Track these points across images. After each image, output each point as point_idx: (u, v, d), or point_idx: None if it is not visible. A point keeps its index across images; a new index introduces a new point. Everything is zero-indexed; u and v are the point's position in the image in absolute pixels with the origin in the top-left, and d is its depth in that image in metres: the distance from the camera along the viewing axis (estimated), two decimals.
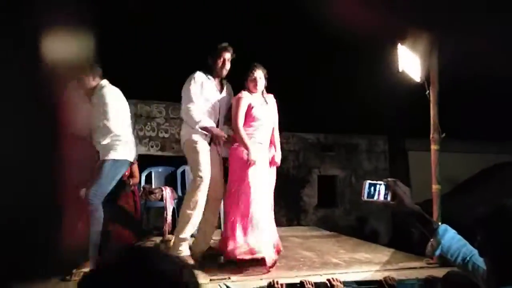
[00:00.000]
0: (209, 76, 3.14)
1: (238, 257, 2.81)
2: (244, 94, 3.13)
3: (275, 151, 3.30)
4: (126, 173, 4.02)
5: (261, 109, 3.15)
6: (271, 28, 7.32)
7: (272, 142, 3.30)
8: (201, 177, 2.98)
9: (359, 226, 7.09)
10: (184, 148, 3.20)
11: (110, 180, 2.91)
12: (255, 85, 3.14)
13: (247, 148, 3.01)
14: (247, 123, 3.10)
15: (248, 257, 2.80)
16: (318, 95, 7.63)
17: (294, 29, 7.53)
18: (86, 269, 2.69)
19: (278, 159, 3.29)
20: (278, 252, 3.13)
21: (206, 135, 3.08)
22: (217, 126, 3.15)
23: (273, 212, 3.22)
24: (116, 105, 2.95)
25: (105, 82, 3.00)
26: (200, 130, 3.04)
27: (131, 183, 3.94)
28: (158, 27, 6.55)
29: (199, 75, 3.10)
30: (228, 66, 3.16)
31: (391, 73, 3.46)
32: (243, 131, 3.06)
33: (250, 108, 3.09)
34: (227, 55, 3.13)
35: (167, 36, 6.42)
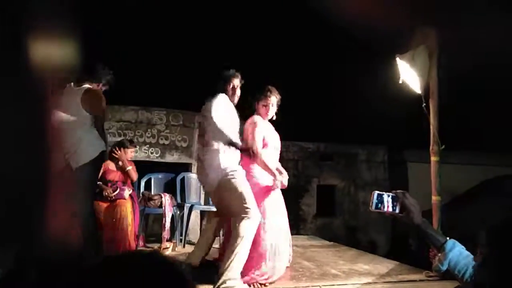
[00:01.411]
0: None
1: (256, 283, 2.73)
2: (257, 119, 3.04)
3: (281, 173, 3.16)
4: (119, 179, 3.98)
5: (272, 136, 3.09)
6: (272, 38, 7.37)
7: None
8: (252, 216, 2.66)
9: (358, 236, 7.06)
10: (219, 187, 2.83)
11: (93, 179, 2.90)
12: (267, 111, 3.06)
13: (272, 173, 2.89)
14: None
15: (263, 281, 2.75)
16: (319, 104, 7.66)
17: (296, 39, 7.58)
18: None
19: (285, 181, 3.15)
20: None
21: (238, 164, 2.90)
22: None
23: (289, 232, 3.17)
24: None
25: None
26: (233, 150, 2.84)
27: (130, 187, 3.93)
28: (159, 35, 6.59)
29: (223, 97, 2.95)
30: (238, 92, 3.04)
31: (392, 84, 3.47)
32: (265, 156, 2.93)
33: (263, 135, 3.01)
34: (236, 82, 3.02)
35: (169, 44, 6.45)
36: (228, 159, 2.80)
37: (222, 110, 2.86)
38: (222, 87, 3.00)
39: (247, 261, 2.66)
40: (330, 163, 7.21)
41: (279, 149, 3.22)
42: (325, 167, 7.18)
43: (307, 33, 7.73)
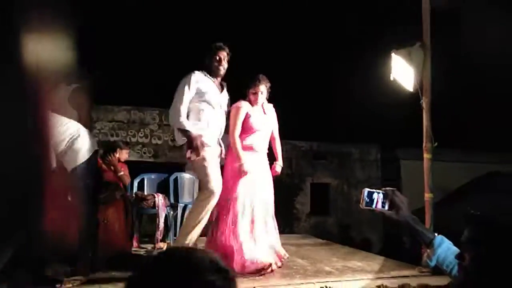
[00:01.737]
0: (208, 76, 3.07)
1: (246, 272, 2.84)
2: (243, 104, 3.15)
3: (277, 160, 3.36)
4: (112, 178, 3.97)
5: (259, 118, 3.18)
6: (265, 36, 7.38)
7: (274, 152, 3.37)
8: (211, 190, 2.89)
9: (351, 234, 7.10)
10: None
11: (89, 180, 2.87)
12: (256, 99, 3.17)
13: (239, 158, 3.04)
14: (245, 131, 3.12)
15: (252, 269, 2.86)
16: (312, 103, 7.69)
17: (289, 38, 7.60)
18: (77, 277, 2.65)
19: (278, 168, 3.34)
20: (280, 258, 3.16)
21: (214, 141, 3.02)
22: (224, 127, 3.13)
23: (275, 220, 3.24)
24: None
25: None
26: (176, 130, 2.97)
27: (122, 188, 3.90)
28: (151, 34, 6.56)
29: (196, 74, 3.01)
30: (225, 65, 3.11)
31: (384, 82, 3.50)
32: (238, 141, 3.08)
33: (247, 117, 3.12)
34: (223, 54, 3.09)
35: (160, 43, 6.43)
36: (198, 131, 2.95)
37: (186, 91, 2.94)
38: (208, 59, 3.07)
39: (223, 249, 2.89)
40: (324, 161, 7.23)
41: (275, 133, 3.36)
42: (319, 165, 7.21)
43: (301, 33, 7.76)
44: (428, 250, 1.23)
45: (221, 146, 3.19)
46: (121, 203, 3.88)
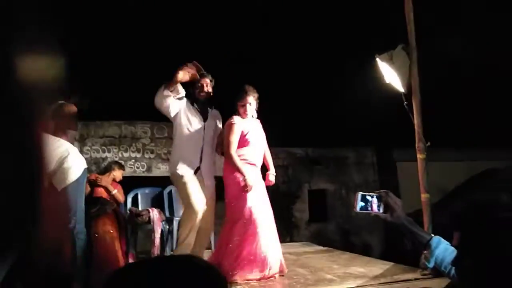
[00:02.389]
0: (193, 104, 3.23)
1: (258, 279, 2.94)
2: (236, 119, 3.19)
3: (269, 170, 3.40)
4: (105, 195, 3.94)
5: (253, 133, 3.23)
6: (257, 42, 7.39)
7: (265, 162, 3.40)
8: (193, 208, 3.05)
9: (351, 240, 7.02)
10: (172, 180, 3.27)
11: (79, 198, 2.88)
12: (245, 110, 3.20)
13: (242, 173, 3.07)
14: (241, 146, 3.17)
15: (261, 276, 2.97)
16: (305, 109, 7.67)
17: (281, 43, 7.61)
18: None
19: (272, 178, 3.39)
20: (282, 272, 3.18)
21: (191, 166, 3.15)
22: (201, 154, 3.18)
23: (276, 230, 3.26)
24: None
25: None
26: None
27: (113, 202, 3.86)
28: (141, 47, 6.55)
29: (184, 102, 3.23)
30: (207, 90, 3.24)
31: (377, 85, 3.49)
32: (236, 157, 3.12)
33: (243, 134, 3.18)
34: (206, 81, 3.23)
35: (151, 56, 6.41)
36: (178, 157, 3.17)
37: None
38: (192, 86, 3.23)
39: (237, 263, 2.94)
40: (320, 167, 7.19)
41: (265, 146, 3.40)
42: (315, 171, 7.17)
43: (293, 41, 7.78)
44: (425, 252, 1.21)
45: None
46: (111, 216, 3.81)
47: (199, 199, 3.08)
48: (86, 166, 2.97)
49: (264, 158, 3.38)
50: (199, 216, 3.05)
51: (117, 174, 4.21)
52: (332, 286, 2.83)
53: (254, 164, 3.21)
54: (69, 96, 3.04)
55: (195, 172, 3.13)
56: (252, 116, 3.29)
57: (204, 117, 3.24)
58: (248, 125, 3.23)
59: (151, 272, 0.63)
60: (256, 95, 3.23)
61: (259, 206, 3.09)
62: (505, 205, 0.95)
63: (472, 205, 1.00)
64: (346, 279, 3.06)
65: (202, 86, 3.22)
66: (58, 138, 2.95)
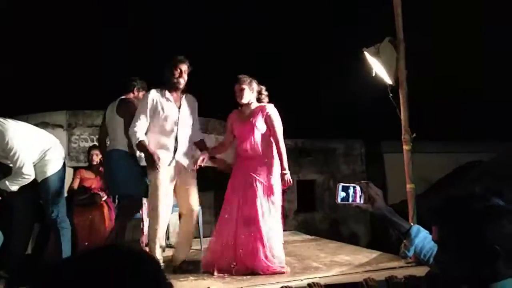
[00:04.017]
0: (166, 92, 3.10)
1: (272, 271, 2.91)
2: (232, 113, 3.29)
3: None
4: (96, 185, 3.96)
5: (240, 124, 3.21)
6: (247, 34, 7.35)
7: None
8: (157, 211, 3.03)
9: (339, 229, 7.15)
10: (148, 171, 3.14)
11: (60, 190, 2.88)
12: (237, 99, 3.17)
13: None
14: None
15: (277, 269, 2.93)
16: (295, 101, 7.70)
17: (269, 35, 7.59)
18: None
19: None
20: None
21: (166, 156, 3.06)
22: (176, 141, 3.09)
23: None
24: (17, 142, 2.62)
25: None
26: (136, 148, 3.05)
27: (102, 195, 3.88)
28: (127, 36, 6.46)
29: (152, 93, 3.09)
30: (185, 77, 3.12)
31: (365, 77, 3.52)
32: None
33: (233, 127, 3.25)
34: (184, 67, 3.11)
35: (138, 45, 6.34)
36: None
37: (141, 111, 3.05)
38: (168, 71, 3.11)
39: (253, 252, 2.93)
40: (309, 158, 7.26)
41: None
42: (304, 162, 7.23)
43: (282, 33, 7.76)
44: (405, 241, 1.23)
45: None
46: (105, 208, 3.86)
47: (164, 205, 3.04)
48: (65, 160, 2.98)
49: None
50: (161, 220, 3.04)
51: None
52: (318, 274, 2.89)
53: None
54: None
55: (169, 163, 3.06)
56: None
57: (178, 104, 3.13)
58: (237, 118, 3.29)
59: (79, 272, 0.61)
60: (247, 80, 3.17)
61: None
62: (479, 197, 0.97)
63: (447, 199, 1.01)
64: (332, 267, 3.13)
65: (181, 72, 3.10)
66: (41, 130, 2.96)
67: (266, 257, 2.91)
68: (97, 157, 4.07)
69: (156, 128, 3.06)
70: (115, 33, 6.40)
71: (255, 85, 3.19)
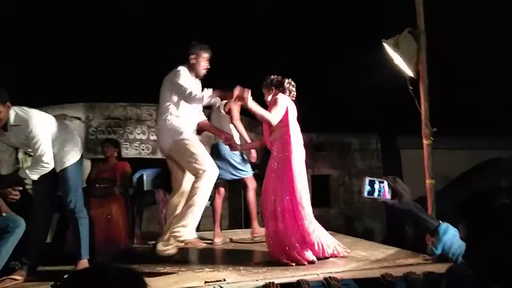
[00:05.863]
0: (192, 75, 3.12)
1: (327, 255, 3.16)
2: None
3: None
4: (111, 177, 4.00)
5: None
6: (262, 29, 7.31)
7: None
8: (204, 170, 2.89)
9: (354, 225, 7.09)
10: (171, 151, 3.06)
11: (78, 181, 2.91)
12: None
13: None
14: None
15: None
16: (310, 95, 7.63)
17: (285, 30, 7.52)
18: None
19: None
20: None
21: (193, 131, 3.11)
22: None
23: None
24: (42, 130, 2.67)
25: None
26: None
27: (120, 186, 3.91)
28: (144, 29, 6.50)
29: (185, 70, 3.06)
30: (206, 65, 3.14)
31: (383, 71, 3.45)
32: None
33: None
34: (206, 55, 3.13)
35: (155, 38, 6.37)
36: (181, 124, 2.97)
37: (186, 78, 3.00)
38: (195, 60, 3.09)
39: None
40: (324, 153, 7.20)
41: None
42: (319, 157, 7.18)
43: (297, 26, 7.68)
44: (433, 238, 1.20)
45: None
46: (123, 200, 3.89)
47: (210, 161, 2.97)
48: (82, 152, 3.00)
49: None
50: (213, 177, 2.93)
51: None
52: (334, 268, 2.86)
53: None
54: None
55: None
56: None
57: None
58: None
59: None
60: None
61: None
62: (505, 191, 0.94)
63: (473, 195, 0.99)
64: (349, 262, 3.09)
65: (208, 61, 3.13)
66: (61, 122, 3.01)
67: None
68: (109, 150, 4.12)
69: (184, 105, 3.08)
70: (133, 26, 6.44)
71: (271, 84, 3.37)
